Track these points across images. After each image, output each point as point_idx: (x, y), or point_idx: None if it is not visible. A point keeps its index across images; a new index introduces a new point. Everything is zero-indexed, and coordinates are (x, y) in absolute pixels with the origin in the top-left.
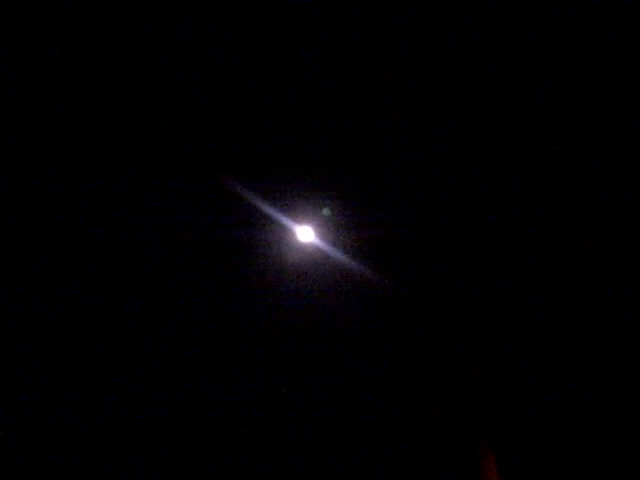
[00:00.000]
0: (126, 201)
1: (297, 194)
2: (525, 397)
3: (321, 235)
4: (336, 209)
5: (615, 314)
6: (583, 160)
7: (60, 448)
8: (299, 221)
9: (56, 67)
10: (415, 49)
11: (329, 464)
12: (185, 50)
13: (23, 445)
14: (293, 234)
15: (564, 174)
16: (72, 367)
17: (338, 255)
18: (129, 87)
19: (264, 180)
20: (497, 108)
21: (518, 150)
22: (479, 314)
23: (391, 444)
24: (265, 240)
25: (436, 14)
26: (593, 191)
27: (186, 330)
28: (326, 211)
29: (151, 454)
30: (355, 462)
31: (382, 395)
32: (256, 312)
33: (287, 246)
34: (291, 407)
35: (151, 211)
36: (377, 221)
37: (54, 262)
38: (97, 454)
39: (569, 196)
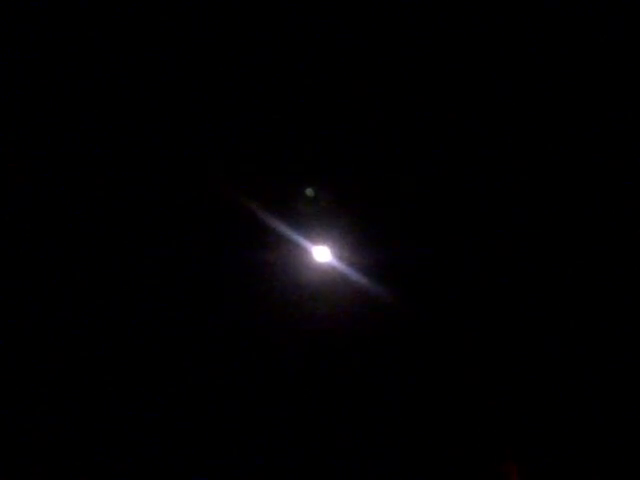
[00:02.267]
0: (141, 222)
1: (314, 214)
2: (549, 412)
3: (338, 255)
4: (353, 228)
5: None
6: (584, 162)
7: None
8: (316, 241)
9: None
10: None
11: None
12: (201, 68)
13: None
14: (310, 254)
15: (565, 177)
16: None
17: (355, 275)
18: (141, 111)
19: (280, 200)
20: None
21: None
22: (501, 333)
23: (413, 459)
24: (281, 260)
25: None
26: (593, 191)
27: (201, 350)
28: (310, 191)
29: (152, 455)
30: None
31: (403, 413)
32: (272, 332)
33: (303, 266)
34: (308, 430)
35: (166, 231)
36: (393, 240)
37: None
38: (96, 455)
39: (570, 197)
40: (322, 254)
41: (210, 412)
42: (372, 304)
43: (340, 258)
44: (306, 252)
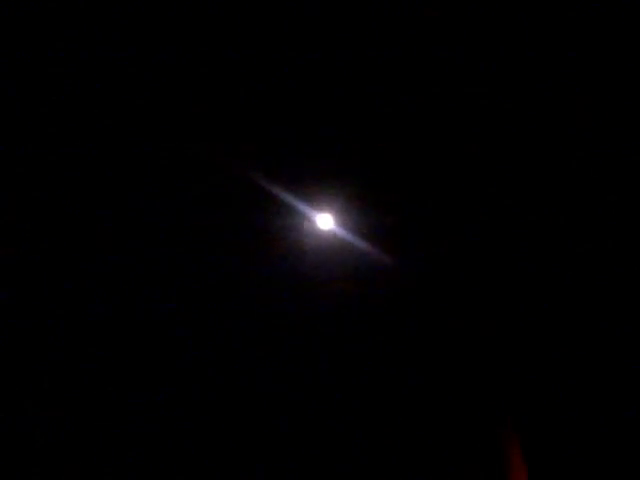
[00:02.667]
0: (139, 188)
1: (316, 180)
2: (551, 382)
3: (341, 222)
4: (356, 194)
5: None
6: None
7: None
8: (318, 208)
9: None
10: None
11: (354, 456)
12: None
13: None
14: (312, 222)
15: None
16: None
17: (359, 243)
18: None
19: (281, 166)
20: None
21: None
22: (505, 302)
23: (415, 431)
24: (282, 228)
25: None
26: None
27: (199, 321)
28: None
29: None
30: (378, 451)
31: (404, 384)
32: (273, 302)
33: (305, 234)
34: (308, 403)
35: (165, 199)
36: (398, 207)
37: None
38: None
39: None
40: (324, 221)
41: (210, 382)
42: (376, 272)
43: (343, 225)
44: (308, 219)
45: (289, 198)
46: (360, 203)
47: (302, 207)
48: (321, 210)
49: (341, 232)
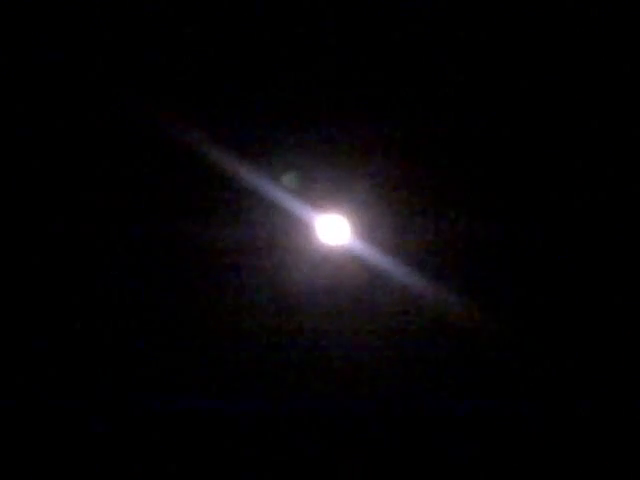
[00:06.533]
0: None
1: (325, 179)
2: None
3: (356, 232)
4: (375, 196)
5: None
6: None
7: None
8: (326, 214)
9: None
10: None
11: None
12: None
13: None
14: (317, 230)
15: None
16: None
17: (378, 258)
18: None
19: (281, 163)
20: None
21: None
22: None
23: None
24: (282, 239)
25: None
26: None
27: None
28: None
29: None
30: None
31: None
32: (268, 334)
33: (310, 246)
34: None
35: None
36: (433, 212)
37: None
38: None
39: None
40: (333, 230)
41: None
42: (399, 296)
43: (358, 236)
44: (312, 228)
45: (289, 201)
46: (381, 205)
47: (305, 212)
48: (330, 216)
49: (355, 244)
